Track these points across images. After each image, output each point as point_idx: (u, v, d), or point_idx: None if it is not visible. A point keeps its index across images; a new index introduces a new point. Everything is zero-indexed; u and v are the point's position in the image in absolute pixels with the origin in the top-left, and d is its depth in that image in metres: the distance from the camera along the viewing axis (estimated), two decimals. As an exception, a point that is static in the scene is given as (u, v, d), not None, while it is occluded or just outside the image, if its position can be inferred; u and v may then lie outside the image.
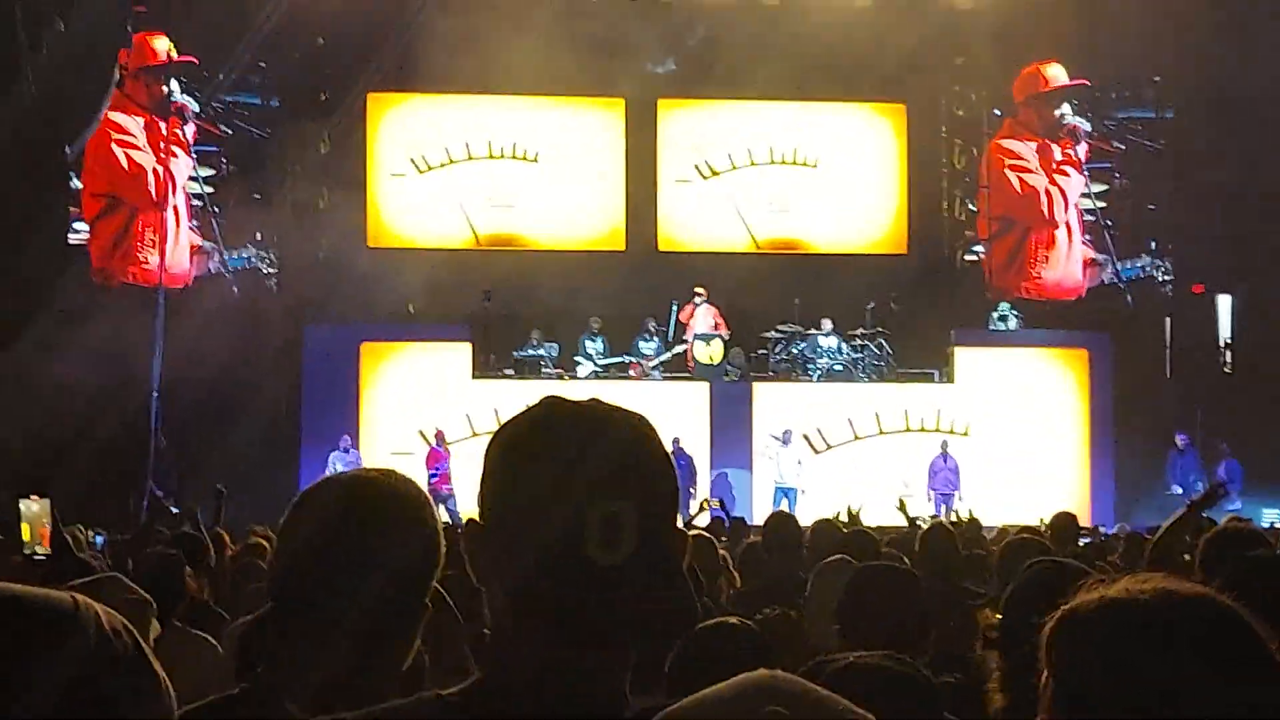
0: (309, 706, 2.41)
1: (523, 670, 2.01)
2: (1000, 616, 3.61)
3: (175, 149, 26.13)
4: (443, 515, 21.28)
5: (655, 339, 26.66)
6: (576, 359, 26.26)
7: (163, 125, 26.08)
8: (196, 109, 26.64)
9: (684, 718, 1.57)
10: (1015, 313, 27.99)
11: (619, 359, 26.43)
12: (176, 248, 26.23)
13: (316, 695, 2.44)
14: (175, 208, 26.20)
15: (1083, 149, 28.84)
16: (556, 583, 1.98)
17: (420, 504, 2.64)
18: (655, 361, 26.39)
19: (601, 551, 1.95)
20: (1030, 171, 28.95)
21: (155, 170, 26.02)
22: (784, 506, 23.47)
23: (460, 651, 4.10)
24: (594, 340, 26.50)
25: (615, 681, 1.99)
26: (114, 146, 26.04)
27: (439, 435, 24.97)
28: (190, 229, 26.61)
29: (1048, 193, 28.82)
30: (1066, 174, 28.88)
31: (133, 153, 26.13)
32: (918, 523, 12.46)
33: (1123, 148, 29.16)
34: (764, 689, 1.56)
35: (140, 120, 26.22)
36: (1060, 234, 28.86)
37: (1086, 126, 28.85)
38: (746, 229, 28.76)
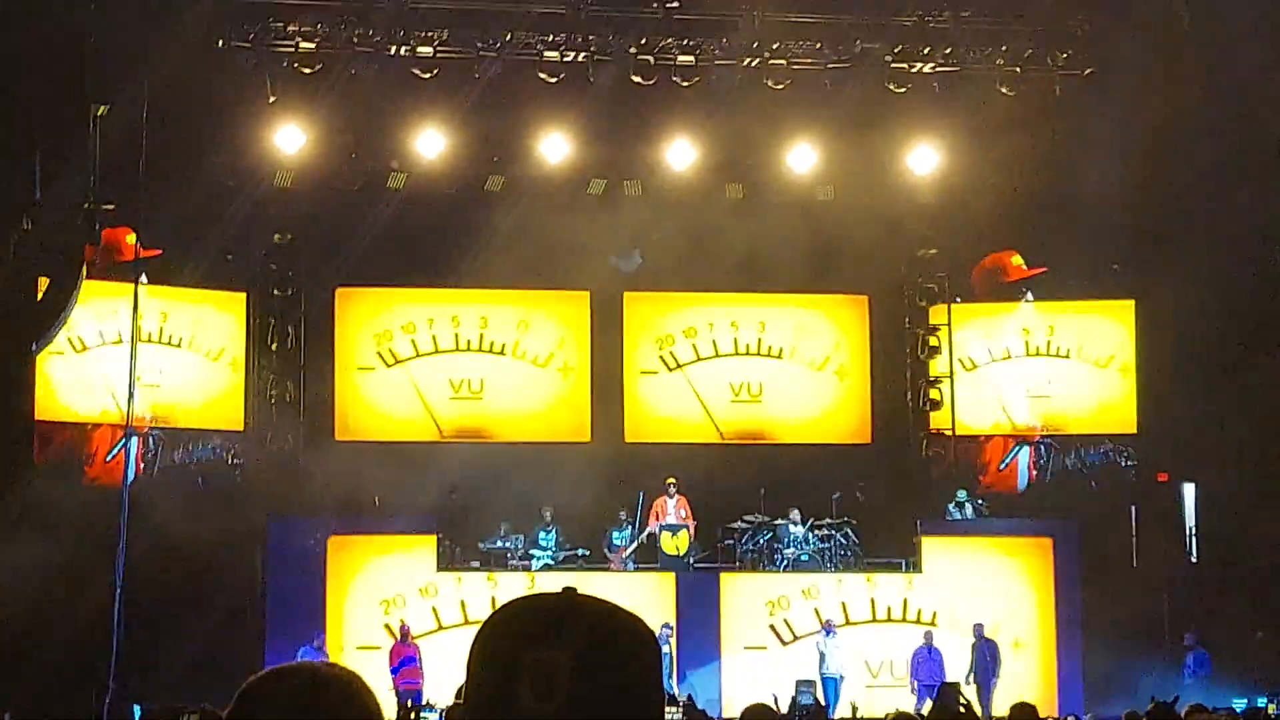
0: None
1: None
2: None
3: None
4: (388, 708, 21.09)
5: (628, 528, 26.53)
6: (532, 552, 26.06)
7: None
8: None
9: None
10: (972, 500, 27.82)
11: (572, 550, 26.16)
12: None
13: None
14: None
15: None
16: None
17: (362, 690, 2.58)
18: (628, 552, 26.24)
19: (533, 700, 2.02)
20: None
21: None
22: (821, 696, 23.82)
23: None
24: (546, 533, 26.30)
25: None
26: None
27: (404, 630, 24.81)
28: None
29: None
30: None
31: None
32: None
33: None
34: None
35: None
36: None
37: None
38: (712, 420, 28.85)
